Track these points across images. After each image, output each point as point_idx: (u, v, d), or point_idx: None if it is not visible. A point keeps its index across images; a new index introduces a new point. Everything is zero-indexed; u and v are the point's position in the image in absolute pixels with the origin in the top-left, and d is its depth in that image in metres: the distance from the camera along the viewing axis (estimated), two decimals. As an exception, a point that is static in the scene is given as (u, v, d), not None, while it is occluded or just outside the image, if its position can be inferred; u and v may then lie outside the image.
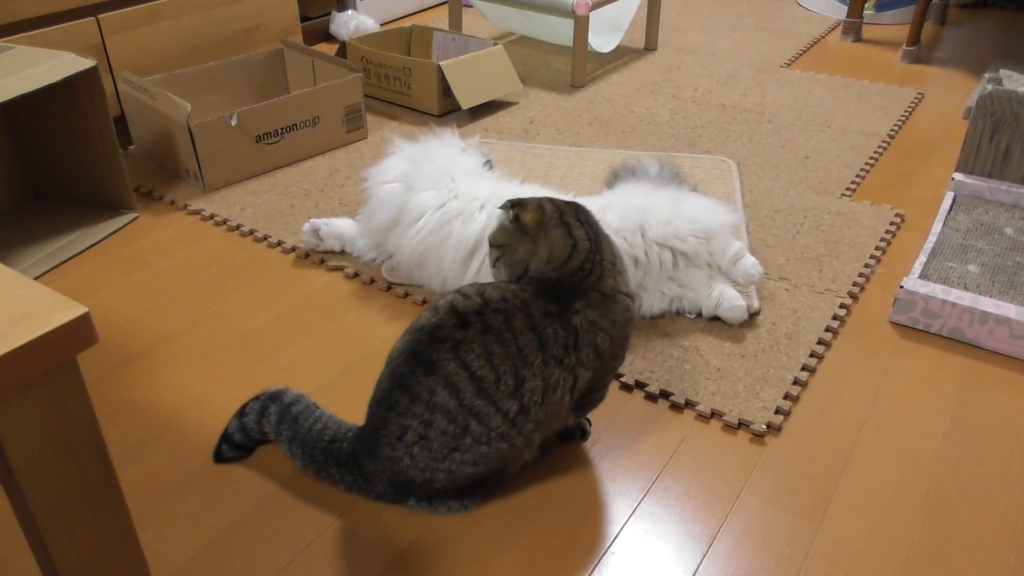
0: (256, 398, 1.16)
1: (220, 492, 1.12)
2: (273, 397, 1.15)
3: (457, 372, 0.97)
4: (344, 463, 1.08)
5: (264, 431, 1.14)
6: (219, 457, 1.16)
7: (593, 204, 1.37)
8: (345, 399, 1.28)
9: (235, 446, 1.16)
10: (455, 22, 2.77)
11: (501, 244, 1.07)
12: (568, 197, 1.20)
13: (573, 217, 1.05)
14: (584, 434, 1.20)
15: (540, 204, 1.06)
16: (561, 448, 1.18)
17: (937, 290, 1.42)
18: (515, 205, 1.06)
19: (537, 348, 0.98)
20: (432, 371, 0.97)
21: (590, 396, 1.09)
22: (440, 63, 2.20)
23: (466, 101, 2.23)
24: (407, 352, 0.99)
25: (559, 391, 1.01)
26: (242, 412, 1.15)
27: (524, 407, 0.99)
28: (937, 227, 1.63)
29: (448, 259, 1.41)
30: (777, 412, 1.26)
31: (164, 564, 1.02)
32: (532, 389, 0.99)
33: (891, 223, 1.77)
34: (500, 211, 1.08)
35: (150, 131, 1.98)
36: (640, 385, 1.31)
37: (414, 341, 0.99)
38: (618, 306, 1.04)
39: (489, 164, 1.57)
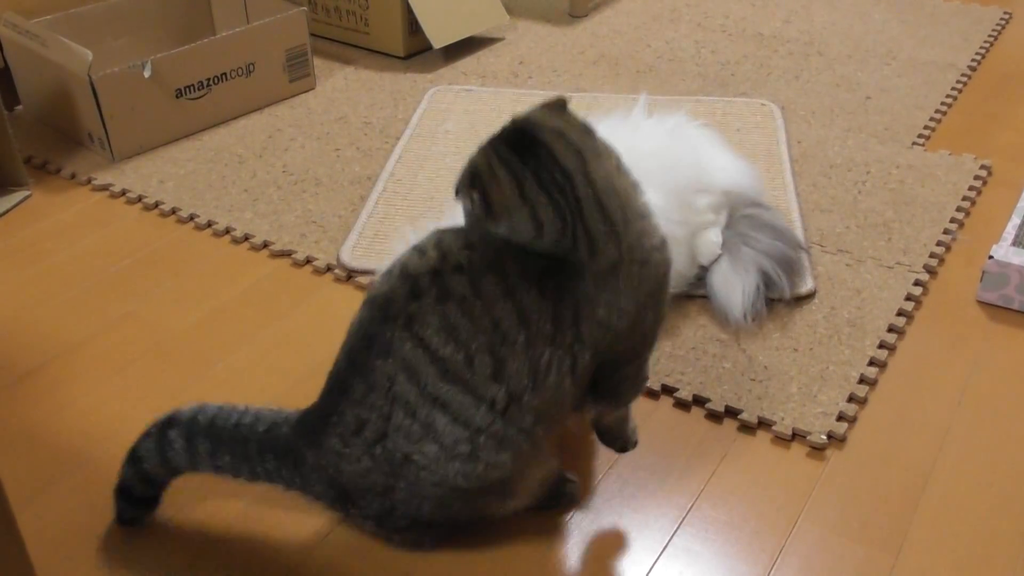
0: (146, 436, 1.09)
1: (147, 537, 1.11)
2: (168, 423, 1.08)
3: (414, 353, 0.96)
4: (283, 453, 1.04)
5: (173, 466, 1.08)
6: (122, 519, 1.12)
7: None
8: (298, 418, 1.28)
9: (137, 501, 1.11)
10: (422, -61, 2.75)
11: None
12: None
13: (537, 185, 0.95)
14: (623, 446, 1.16)
15: (490, 166, 0.97)
16: (568, 468, 1.18)
17: (1035, 260, 1.42)
18: (472, 184, 0.98)
19: (519, 321, 0.95)
20: (387, 354, 0.97)
21: (622, 372, 1.05)
22: (405, -9, 2.19)
23: (439, 38, 2.21)
24: (363, 332, 1.00)
25: (552, 374, 0.98)
26: (134, 457, 1.08)
27: (514, 394, 0.97)
28: (1033, 181, 1.63)
29: None
30: (840, 419, 1.26)
31: (77, 632, 1.01)
32: (517, 372, 0.96)
33: (975, 177, 1.77)
34: (460, 199, 1.01)
35: (42, 87, 1.95)
36: (668, 390, 1.31)
37: (367, 318, 1.00)
38: (628, 270, 0.98)
39: None
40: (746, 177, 1.52)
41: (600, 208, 0.96)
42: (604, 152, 1.00)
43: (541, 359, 0.97)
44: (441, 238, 0.99)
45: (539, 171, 0.96)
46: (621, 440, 1.16)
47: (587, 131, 1.00)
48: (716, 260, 1.45)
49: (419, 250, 0.99)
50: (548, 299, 0.96)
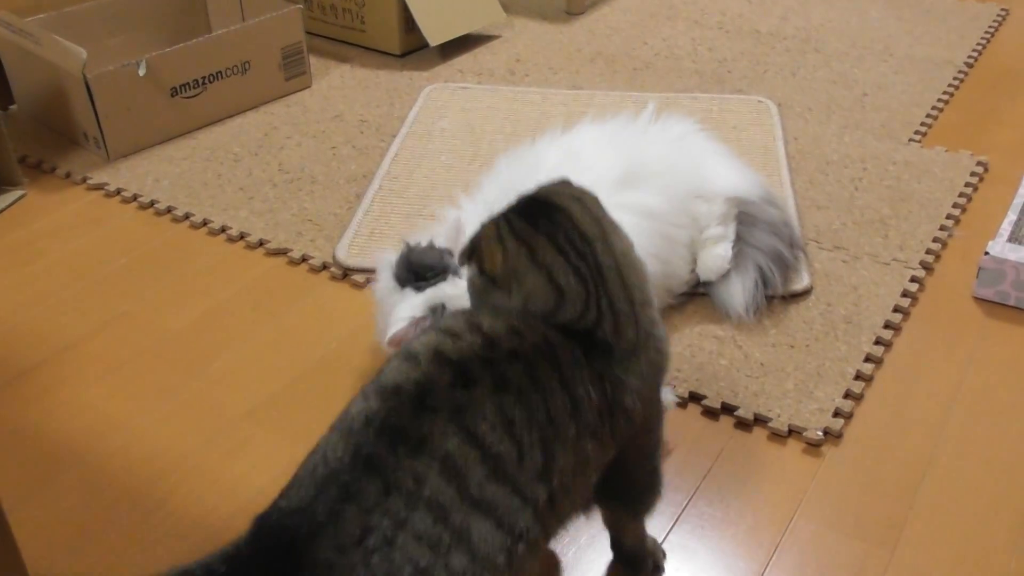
0: None
1: (144, 536, 1.11)
2: None
3: (460, 450, 0.82)
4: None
5: None
6: None
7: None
8: (294, 418, 1.28)
9: None
10: (418, -64, 2.75)
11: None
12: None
13: (553, 249, 0.91)
14: (656, 563, 1.08)
15: (497, 234, 0.93)
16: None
17: (1031, 256, 1.42)
18: (471, 253, 0.94)
19: (571, 415, 0.87)
20: (421, 451, 0.82)
21: (634, 475, 0.99)
22: (401, -11, 2.19)
23: (435, 36, 2.21)
24: (379, 425, 0.84)
25: (589, 470, 0.91)
26: None
27: (553, 495, 0.86)
28: (1030, 177, 1.64)
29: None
30: (836, 415, 1.26)
31: (73, 631, 1.02)
32: (564, 468, 0.87)
33: (972, 174, 1.77)
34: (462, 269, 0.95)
35: (36, 86, 1.95)
36: (664, 387, 1.31)
37: (390, 410, 0.84)
38: (647, 356, 0.94)
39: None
40: (750, 186, 1.51)
41: (622, 281, 0.92)
42: (619, 228, 0.96)
43: (584, 454, 0.89)
44: (475, 321, 0.89)
45: (555, 235, 0.91)
46: (650, 559, 1.08)
47: (600, 203, 0.96)
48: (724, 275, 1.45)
49: (449, 333, 0.88)
50: (593, 388, 0.90)
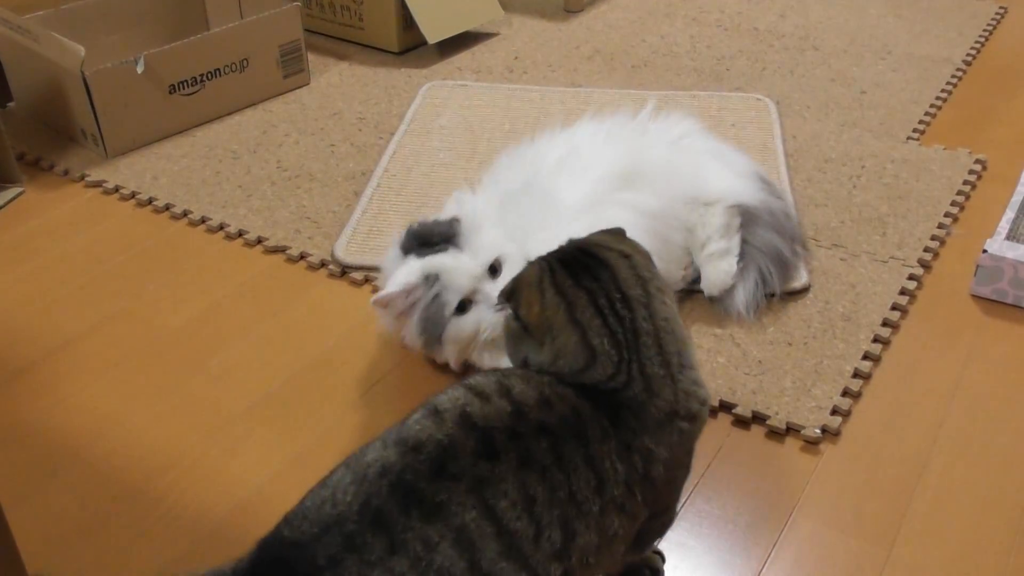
0: None
1: (142, 534, 1.11)
2: None
3: (477, 524, 0.80)
4: None
5: None
6: None
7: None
8: (292, 415, 1.28)
9: None
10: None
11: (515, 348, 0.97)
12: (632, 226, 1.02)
13: (592, 309, 0.90)
14: (655, 568, 1.07)
15: (539, 280, 0.92)
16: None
17: (1029, 254, 1.42)
18: (510, 294, 0.94)
19: (595, 491, 0.85)
20: (435, 518, 0.80)
21: (649, 524, 0.95)
22: (399, -14, 2.19)
23: (433, 33, 2.21)
24: (396, 481, 0.81)
25: (616, 543, 0.88)
26: None
27: (569, 571, 0.83)
28: (1028, 175, 1.64)
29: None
30: (834, 413, 1.26)
31: (71, 628, 1.02)
32: (584, 546, 0.84)
33: (970, 172, 1.77)
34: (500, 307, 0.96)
35: (34, 83, 1.95)
36: (662, 384, 1.31)
37: (407, 467, 0.81)
38: (680, 425, 0.91)
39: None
40: (751, 188, 1.50)
41: (659, 348, 0.90)
42: (667, 289, 0.94)
43: (610, 529, 0.86)
44: (506, 383, 0.87)
45: (596, 294, 0.90)
46: (648, 570, 1.07)
47: (651, 261, 0.95)
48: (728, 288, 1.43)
49: (476, 392, 0.86)
50: (621, 462, 0.87)
